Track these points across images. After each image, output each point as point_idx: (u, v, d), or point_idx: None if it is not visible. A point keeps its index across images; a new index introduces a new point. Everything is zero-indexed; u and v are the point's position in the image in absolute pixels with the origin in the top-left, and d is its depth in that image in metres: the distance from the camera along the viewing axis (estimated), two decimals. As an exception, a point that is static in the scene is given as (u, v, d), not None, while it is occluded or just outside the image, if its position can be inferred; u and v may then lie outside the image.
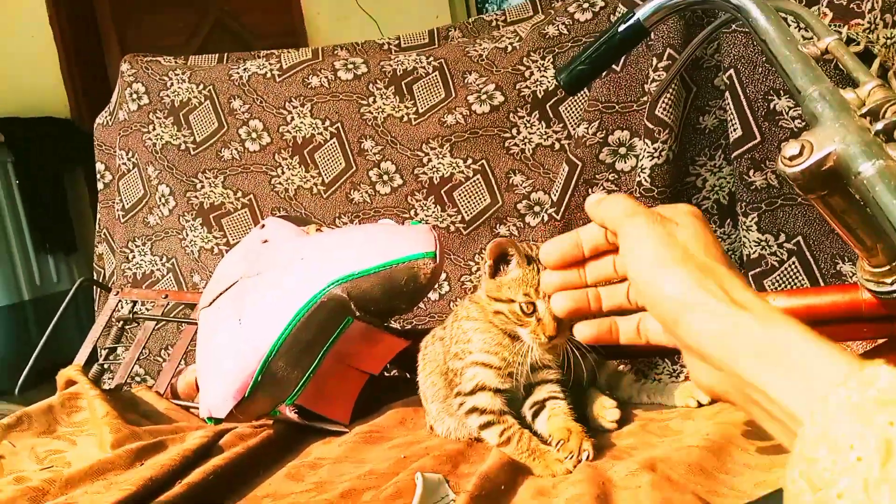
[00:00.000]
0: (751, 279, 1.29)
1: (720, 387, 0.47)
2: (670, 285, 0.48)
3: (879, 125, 0.70)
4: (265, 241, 1.25)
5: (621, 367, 0.93)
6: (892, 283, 0.72)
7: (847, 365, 0.39)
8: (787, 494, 0.36)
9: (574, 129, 1.63)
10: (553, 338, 0.87)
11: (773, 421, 0.43)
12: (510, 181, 1.73)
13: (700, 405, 0.91)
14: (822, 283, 1.27)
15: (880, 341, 1.06)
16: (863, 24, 1.20)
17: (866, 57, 1.19)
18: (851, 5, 1.21)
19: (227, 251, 1.94)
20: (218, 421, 1.14)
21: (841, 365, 0.39)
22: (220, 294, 1.22)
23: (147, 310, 1.81)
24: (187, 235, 2.00)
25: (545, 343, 0.87)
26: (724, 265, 0.50)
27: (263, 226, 1.30)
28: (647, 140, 1.41)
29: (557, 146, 1.68)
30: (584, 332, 0.62)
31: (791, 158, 0.64)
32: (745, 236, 1.35)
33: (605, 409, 0.93)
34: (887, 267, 0.72)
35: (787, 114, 1.33)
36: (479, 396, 0.92)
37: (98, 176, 2.18)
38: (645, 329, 0.60)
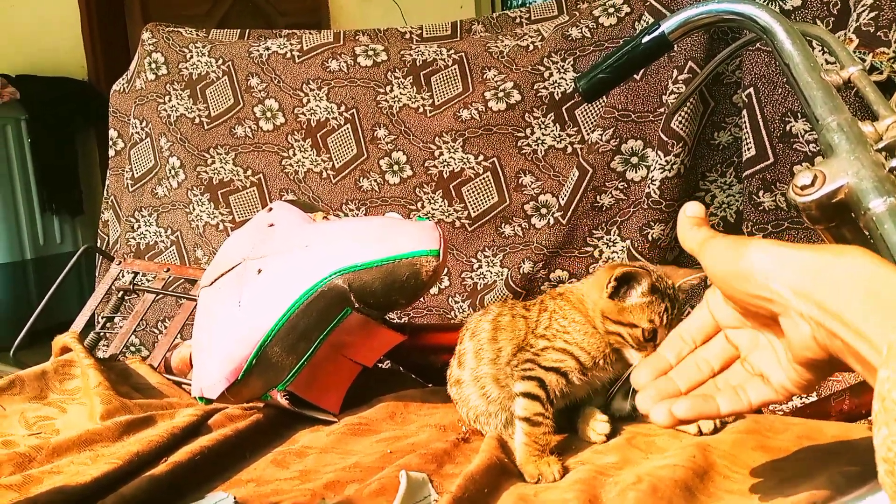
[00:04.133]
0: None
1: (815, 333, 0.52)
2: (751, 256, 0.54)
3: (895, 162, 0.69)
4: (271, 225, 1.24)
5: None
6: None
7: None
8: (879, 415, 0.40)
9: (588, 135, 1.62)
10: None
11: (851, 355, 0.48)
12: (519, 181, 1.72)
13: (701, 433, 0.89)
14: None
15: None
16: (888, 53, 1.18)
17: (888, 86, 1.18)
18: (878, 33, 1.19)
19: (232, 228, 1.94)
20: (209, 401, 1.14)
21: None
22: (222, 275, 1.21)
23: (148, 281, 1.81)
24: (194, 210, 2.00)
25: None
26: None
27: (270, 209, 1.29)
28: (660, 152, 1.40)
29: (570, 150, 1.67)
30: (684, 409, 0.60)
31: (802, 188, 0.63)
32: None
33: (596, 423, 0.92)
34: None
35: (803, 137, 1.32)
36: (550, 374, 0.90)
37: (110, 142, 2.18)
38: (744, 390, 0.60)
